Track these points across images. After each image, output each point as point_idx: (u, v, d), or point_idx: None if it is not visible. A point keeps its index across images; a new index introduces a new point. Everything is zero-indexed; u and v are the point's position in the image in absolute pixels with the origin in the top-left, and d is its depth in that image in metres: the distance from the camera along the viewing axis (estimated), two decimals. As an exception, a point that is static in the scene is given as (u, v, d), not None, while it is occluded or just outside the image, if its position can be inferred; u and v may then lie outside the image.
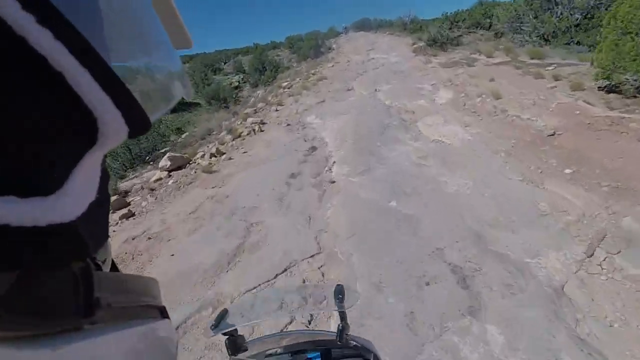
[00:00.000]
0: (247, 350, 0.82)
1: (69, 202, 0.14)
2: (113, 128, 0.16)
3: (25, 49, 0.12)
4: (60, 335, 0.14)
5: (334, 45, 26.09)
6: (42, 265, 0.13)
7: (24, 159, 0.12)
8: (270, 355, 0.86)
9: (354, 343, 0.83)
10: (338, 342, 0.77)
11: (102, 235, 0.19)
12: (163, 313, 0.25)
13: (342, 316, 0.79)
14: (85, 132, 0.15)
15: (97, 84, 0.14)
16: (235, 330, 0.80)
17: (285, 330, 2.24)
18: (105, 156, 0.19)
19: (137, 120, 0.17)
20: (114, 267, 0.25)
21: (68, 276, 0.15)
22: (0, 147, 0.12)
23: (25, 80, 0.12)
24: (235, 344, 0.79)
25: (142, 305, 0.22)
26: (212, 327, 0.79)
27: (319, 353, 0.83)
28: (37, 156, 0.13)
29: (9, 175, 0.12)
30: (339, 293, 0.79)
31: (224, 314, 0.82)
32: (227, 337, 0.79)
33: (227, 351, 0.79)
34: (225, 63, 31.08)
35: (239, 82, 22.32)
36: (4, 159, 0.12)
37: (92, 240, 0.16)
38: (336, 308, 0.77)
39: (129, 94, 0.17)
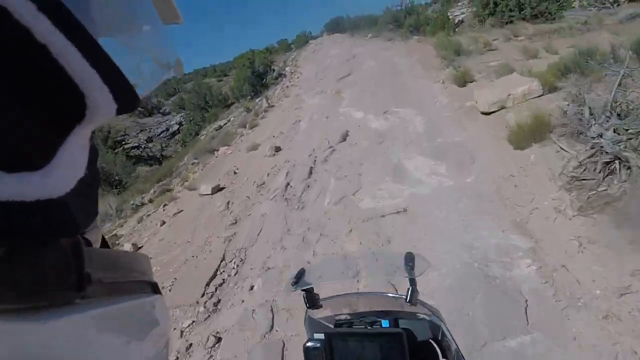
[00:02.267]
0: (321, 307, 0.90)
1: (57, 178, 0.14)
2: (101, 104, 0.16)
3: (7, 21, 0.12)
4: (50, 309, 0.14)
5: (287, 69, 18.44)
6: (30, 240, 0.13)
7: (10, 134, 0.12)
8: (341, 320, 0.89)
9: (422, 315, 0.86)
10: (407, 302, 0.80)
11: (92, 212, 0.20)
12: (155, 289, 0.25)
13: (412, 283, 0.82)
14: (73, 107, 0.15)
15: (84, 58, 0.14)
16: (312, 287, 0.88)
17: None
18: (94, 132, 0.19)
19: (125, 97, 0.17)
20: (104, 244, 0.25)
21: (58, 252, 0.14)
22: None
23: (7, 53, 0.12)
24: (312, 299, 0.88)
25: (133, 280, 0.22)
26: (292, 284, 0.87)
27: (388, 320, 0.84)
28: (23, 131, 0.13)
29: None
30: (409, 261, 0.83)
31: (302, 273, 0.90)
32: (304, 292, 0.87)
33: (305, 304, 0.88)
34: (170, 96, 25.60)
35: (180, 123, 19.59)
36: None
37: (82, 216, 0.17)
38: (406, 275, 0.81)
39: (117, 69, 0.16)
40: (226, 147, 8.40)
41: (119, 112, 0.17)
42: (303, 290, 0.86)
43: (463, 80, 6.44)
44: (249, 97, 15.82)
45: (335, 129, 6.63)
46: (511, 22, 12.58)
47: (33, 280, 0.13)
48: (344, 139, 6.04)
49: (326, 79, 11.83)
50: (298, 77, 15.36)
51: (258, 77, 16.66)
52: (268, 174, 5.64)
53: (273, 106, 11.45)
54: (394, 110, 6.55)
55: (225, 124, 14.54)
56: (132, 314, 0.21)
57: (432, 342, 0.81)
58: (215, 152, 8.47)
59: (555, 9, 12.14)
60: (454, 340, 0.80)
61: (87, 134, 0.17)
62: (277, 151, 6.55)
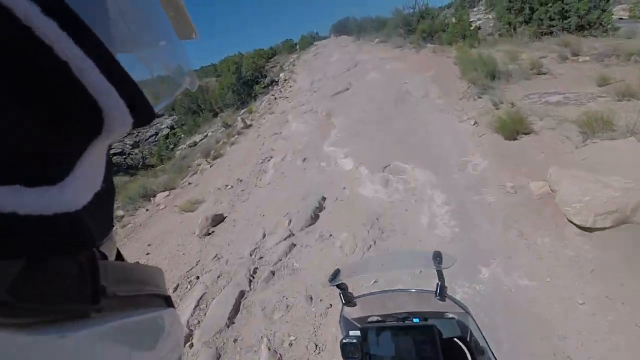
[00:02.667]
0: (355, 304, 0.95)
1: (74, 192, 0.15)
2: (118, 118, 0.16)
3: (31, 38, 0.12)
4: (66, 323, 0.14)
5: (280, 75, 16.17)
6: (48, 253, 0.14)
7: (30, 149, 0.13)
8: (372, 322, 0.91)
9: (451, 315, 0.89)
10: (437, 298, 0.82)
11: (108, 224, 0.20)
12: (168, 302, 0.25)
13: (440, 275, 0.83)
14: (90, 122, 0.15)
15: (102, 74, 0.15)
16: (345, 284, 0.92)
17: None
18: (110, 146, 0.19)
19: (141, 111, 0.17)
20: (119, 256, 0.24)
21: (74, 265, 0.15)
22: (5, 136, 0.12)
23: (31, 69, 0.12)
24: (346, 296, 0.93)
25: (147, 294, 0.22)
26: (330, 280, 0.92)
27: (418, 318, 0.87)
28: (42, 146, 0.13)
29: (15, 164, 0.12)
30: (437, 257, 0.83)
31: (337, 272, 0.92)
32: (340, 290, 0.92)
33: (341, 300, 0.93)
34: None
35: (172, 127, 17.68)
36: (10, 149, 0.12)
37: (98, 229, 0.17)
38: (435, 267, 0.82)
39: (134, 84, 0.17)
40: (166, 194, 6.08)
41: (135, 126, 0.17)
42: (338, 287, 0.91)
43: (513, 129, 3.85)
44: (235, 107, 13.60)
45: (308, 190, 4.33)
46: (550, 33, 10.15)
47: (49, 293, 0.13)
48: (314, 220, 3.69)
49: (321, 92, 10.10)
50: (290, 87, 13.43)
51: (245, 85, 14.48)
52: (177, 286, 3.28)
53: (250, 126, 9.22)
54: (400, 167, 4.22)
55: (202, 139, 12.33)
56: (146, 328, 0.21)
57: (458, 340, 0.83)
58: (152, 199, 6.14)
59: (607, 19, 9.69)
60: (484, 338, 0.81)
61: (104, 148, 0.18)
62: (213, 226, 4.19)
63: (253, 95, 14.10)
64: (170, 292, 2.29)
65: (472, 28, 11.91)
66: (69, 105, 0.14)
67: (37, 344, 0.13)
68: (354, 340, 0.84)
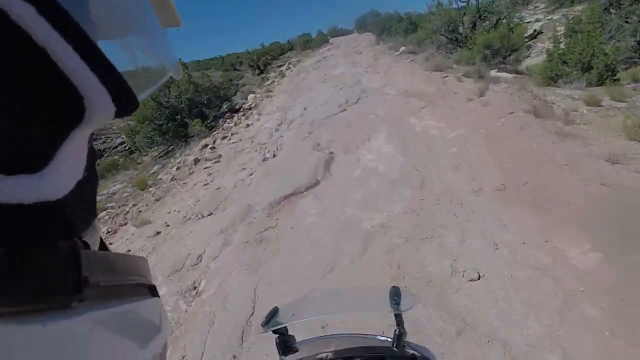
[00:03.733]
0: (297, 351, 0.82)
1: (55, 180, 0.14)
2: (100, 106, 0.16)
3: (7, 24, 0.12)
4: (48, 313, 0.14)
5: (249, 98, 11.93)
6: (28, 243, 0.13)
7: (8, 136, 0.12)
8: (321, 359, 0.83)
9: (412, 352, 0.79)
10: (394, 349, 0.74)
11: (90, 214, 0.19)
12: (153, 291, 0.25)
13: (399, 320, 0.76)
14: (71, 110, 0.15)
15: (83, 61, 0.14)
16: (286, 329, 0.80)
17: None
18: (92, 134, 0.19)
19: (124, 99, 0.17)
20: (102, 246, 0.24)
21: (55, 255, 0.14)
22: None
23: (8, 55, 0.12)
24: (285, 343, 0.80)
25: (131, 283, 0.22)
26: (263, 324, 0.79)
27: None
28: (21, 133, 0.13)
29: None
30: (395, 295, 0.76)
31: (274, 312, 0.81)
32: (277, 336, 0.79)
33: (278, 350, 0.80)
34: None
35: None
36: None
37: (80, 219, 0.17)
38: (392, 310, 0.74)
39: (116, 71, 0.16)
40: None
41: (118, 114, 0.17)
42: (275, 332, 0.79)
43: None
44: (157, 153, 8.64)
45: None
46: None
47: (30, 283, 0.13)
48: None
49: (279, 166, 5.48)
50: (247, 127, 8.56)
51: (179, 126, 9.30)
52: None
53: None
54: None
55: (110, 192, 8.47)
56: (130, 318, 0.20)
57: None
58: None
59: None
60: None
61: (86, 136, 0.17)
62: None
63: (184, 139, 9.15)
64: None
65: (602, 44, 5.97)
66: (48, 92, 0.14)
67: (17, 334, 0.12)
68: None
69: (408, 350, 0.77)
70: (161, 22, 0.28)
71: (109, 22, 0.20)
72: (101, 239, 0.24)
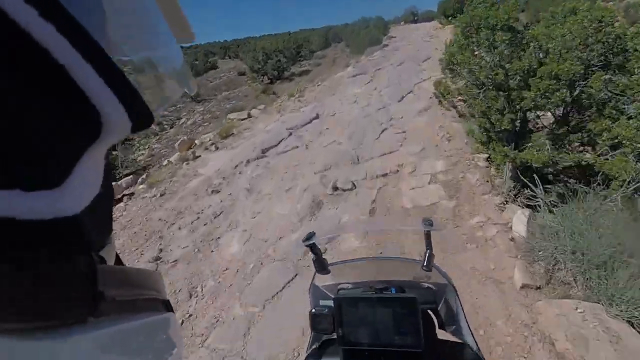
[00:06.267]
0: (329, 272, 0.89)
1: (73, 196, 0.14)
2: (116, 122, 0.16)
3: (28, 42, 0.12)
4: (64, 328, 0.14)
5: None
6: (47, 258, 0.13)
7: (28, 153, 0.13)
8: (344, 289, 0.89)
9: (425, 283, 0.87)
10: (424, 268, 0.78)
11: (106, 228, 0.20)
12: (167, 306, 0.25)
13: (428, 242, 0.80)
14: (89, 126, 0.15)
15: (100, 78, 0.15)
16: (320, 250, 0.88)
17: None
18: (109, 150, 0.18)
19: (140, 115, 0.17)
20: (118, 261, 0.24)
21: (72, 269, 0.15)
22: (4, 141, 0.12)
23: (28, 73, 0.12)
24: (320, 262, 0.87)
25: (146, 298, 0.22)
26: (303, 240, 0.87)
27: (394, 288, 0.83)
28: (40, 150, 0.13)
29: (13, 169, 0.12)
30: (427, 220, 0.82)
31: (312, 234, 0.88)
32: (314, 257, 0.87)
33: (315, 267, 0.88)
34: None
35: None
36: (9, 153, 0.12)
37: (96, 233, 0.17)
38: (422, 228, 0.80)
39: (132, 88, 0.17)
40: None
41: (134, 130, 0.17)
42: (311, 250, 0.86)
43: None
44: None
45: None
46: None
47: (47, 298, 0.13)
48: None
49: None
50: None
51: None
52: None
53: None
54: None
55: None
56: (145, 332, 0.20)
57: (430, 312, 0.81)
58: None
59: None
60: (462, 309, 0.77)
61: (103, 152, 0.17)
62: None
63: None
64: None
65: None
66: (67, 109, 0.14)
67: (35, 349, 0.12)
68: (325, 311, 0.79)
69: (434, 273, 0.82)
70: (175, 37, 0.29)
71: (125, 38, 0.21)
72: (116, 254, 0.24)
